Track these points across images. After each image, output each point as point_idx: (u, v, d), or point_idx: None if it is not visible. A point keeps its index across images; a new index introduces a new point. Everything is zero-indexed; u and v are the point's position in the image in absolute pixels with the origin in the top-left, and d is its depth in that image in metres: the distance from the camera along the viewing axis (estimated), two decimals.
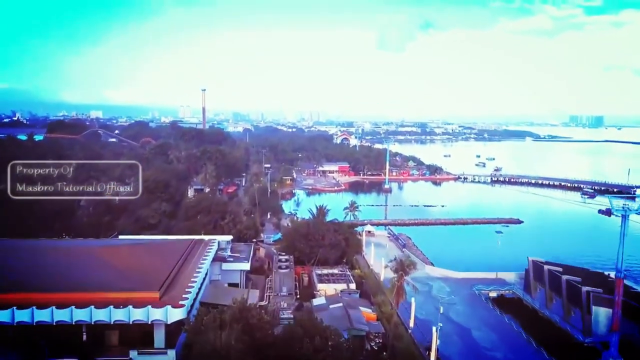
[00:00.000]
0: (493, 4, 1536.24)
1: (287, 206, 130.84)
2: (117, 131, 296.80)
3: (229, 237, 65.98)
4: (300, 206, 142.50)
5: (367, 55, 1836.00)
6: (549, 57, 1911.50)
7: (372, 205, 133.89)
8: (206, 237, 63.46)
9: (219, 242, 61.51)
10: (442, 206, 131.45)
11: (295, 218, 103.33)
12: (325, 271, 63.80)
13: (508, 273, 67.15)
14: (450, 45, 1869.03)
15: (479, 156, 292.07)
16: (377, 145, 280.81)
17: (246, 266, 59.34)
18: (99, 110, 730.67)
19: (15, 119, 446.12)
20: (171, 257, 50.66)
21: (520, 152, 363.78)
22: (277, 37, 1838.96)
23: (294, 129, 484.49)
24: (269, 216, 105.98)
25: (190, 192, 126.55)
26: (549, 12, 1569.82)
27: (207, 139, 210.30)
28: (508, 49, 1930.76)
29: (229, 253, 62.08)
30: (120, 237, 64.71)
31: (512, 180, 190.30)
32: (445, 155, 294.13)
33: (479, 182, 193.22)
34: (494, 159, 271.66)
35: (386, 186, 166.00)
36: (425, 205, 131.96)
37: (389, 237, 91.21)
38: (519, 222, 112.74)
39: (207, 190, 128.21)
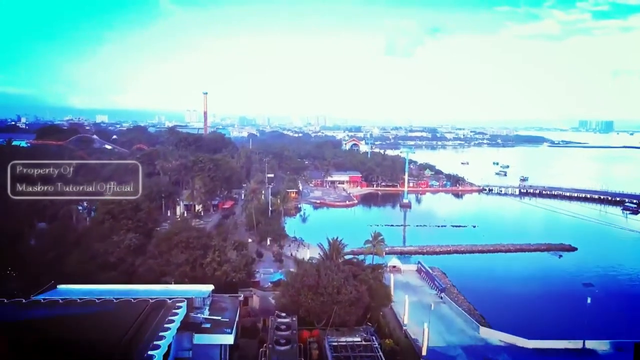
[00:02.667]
0: (499, 9, 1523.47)
1: (291, 226, 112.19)
2: (114, 136, 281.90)
3: (209, 288, 47.54)
4: (306, 222, 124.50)
5: (374, 60, 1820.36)
6: (557, 61, 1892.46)
7: (392, 225, 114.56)
8: (174, 291, 45.35)
9: (192, 300, 43.18)
10: (474, 226, 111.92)
11: (299, 250, 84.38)
12: (342, 339, 45.07)
13: (600, 342, 47.75)
14: (457, 50, 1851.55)
15: (496, 163, 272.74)
16: (390, 152, 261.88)
17: (229, 339, 40.75)
18: (105, 114, 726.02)
19: (13, 123, 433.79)
20: (109, 337, 32.25)
21: (538, 159, 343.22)
22: (284, 41, 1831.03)
23: (300, 134, 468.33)
24: (268, 242, 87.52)
25: (179, 210, 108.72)
26: (556, 17, 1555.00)
27: (205, 146, 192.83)
28: (516, 54, 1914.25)
29: (206, 314, 43.53)
30: (60, 286, 46.93)
31: (543, 192, 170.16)
32: (462, 163, 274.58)
33: (505, 194, 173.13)
34: (508, 166, 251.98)
35: (405, 200, 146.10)
36: (453, 226, 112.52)
37: (419, 273, 72.13)
38: (573, 249, 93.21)
39: (199, 207, 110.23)
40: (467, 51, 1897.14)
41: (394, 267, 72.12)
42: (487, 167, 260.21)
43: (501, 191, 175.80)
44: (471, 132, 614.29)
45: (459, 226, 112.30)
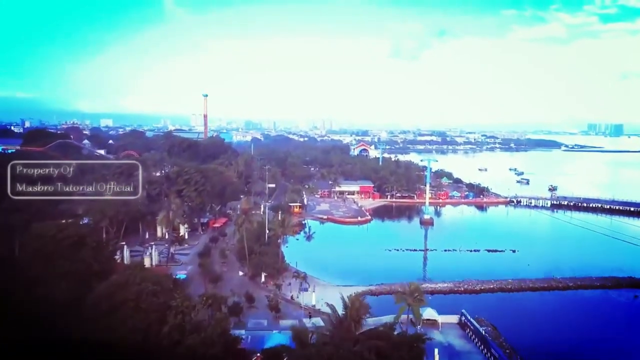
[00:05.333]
0: (506, 12, 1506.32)
1: (293, 247, 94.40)
2: (111, 141, 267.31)
3: None
4: (311, 240, 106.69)
5: (380, 63, 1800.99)
6: (564, 65, 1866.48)
7: (414, 250, 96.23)
8: None
9: None
10: (513, 251, 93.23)
11: (302, 293, 65.65)
12: None
13: None
14: (463, 53, 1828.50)
15: (514, 169, 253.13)
16: (400, 157, 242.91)
17: None
18: (110, 118, 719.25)
19: (10, 127, 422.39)
20: None
21: (556, 164, 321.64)
22: (290, 44, 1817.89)
23: (306, 138, 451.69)
24: (263, 278, 69.49)
25: (160, 232, 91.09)
26: (563, 20, 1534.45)
27: (202, 151, 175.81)
28: (523, 57, 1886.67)
29: None
30: None
31: (578, 205, 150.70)
32: (480, 169, 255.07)
33: (535, 206, 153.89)
34: (523, 172, 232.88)
35: (426, 216, 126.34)
36: (488, 250, 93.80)
37: (463, 330, 53.77)
38: None
39: (184, 228, 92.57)
40: (474, 54, 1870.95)
41: (429, 320, 53.96)
42: (505, 173, 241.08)
43: (530, 203, 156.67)
44: (482, 136, 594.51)
45: (496, 250, 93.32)
